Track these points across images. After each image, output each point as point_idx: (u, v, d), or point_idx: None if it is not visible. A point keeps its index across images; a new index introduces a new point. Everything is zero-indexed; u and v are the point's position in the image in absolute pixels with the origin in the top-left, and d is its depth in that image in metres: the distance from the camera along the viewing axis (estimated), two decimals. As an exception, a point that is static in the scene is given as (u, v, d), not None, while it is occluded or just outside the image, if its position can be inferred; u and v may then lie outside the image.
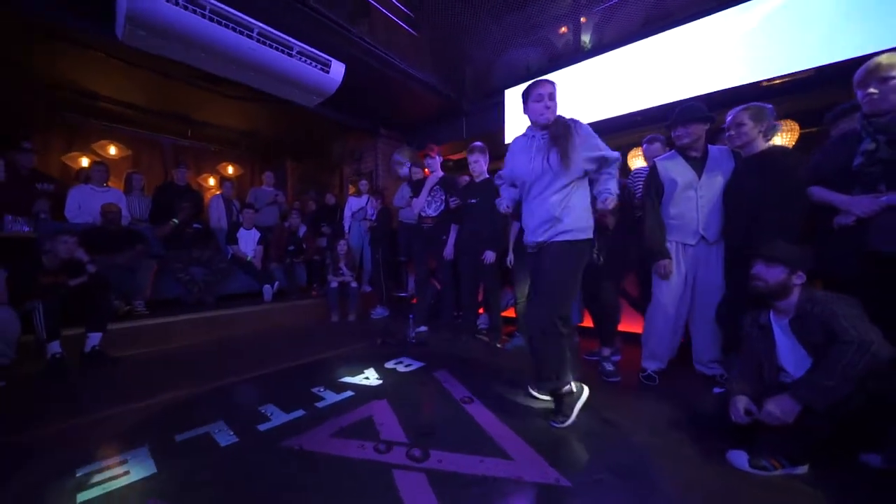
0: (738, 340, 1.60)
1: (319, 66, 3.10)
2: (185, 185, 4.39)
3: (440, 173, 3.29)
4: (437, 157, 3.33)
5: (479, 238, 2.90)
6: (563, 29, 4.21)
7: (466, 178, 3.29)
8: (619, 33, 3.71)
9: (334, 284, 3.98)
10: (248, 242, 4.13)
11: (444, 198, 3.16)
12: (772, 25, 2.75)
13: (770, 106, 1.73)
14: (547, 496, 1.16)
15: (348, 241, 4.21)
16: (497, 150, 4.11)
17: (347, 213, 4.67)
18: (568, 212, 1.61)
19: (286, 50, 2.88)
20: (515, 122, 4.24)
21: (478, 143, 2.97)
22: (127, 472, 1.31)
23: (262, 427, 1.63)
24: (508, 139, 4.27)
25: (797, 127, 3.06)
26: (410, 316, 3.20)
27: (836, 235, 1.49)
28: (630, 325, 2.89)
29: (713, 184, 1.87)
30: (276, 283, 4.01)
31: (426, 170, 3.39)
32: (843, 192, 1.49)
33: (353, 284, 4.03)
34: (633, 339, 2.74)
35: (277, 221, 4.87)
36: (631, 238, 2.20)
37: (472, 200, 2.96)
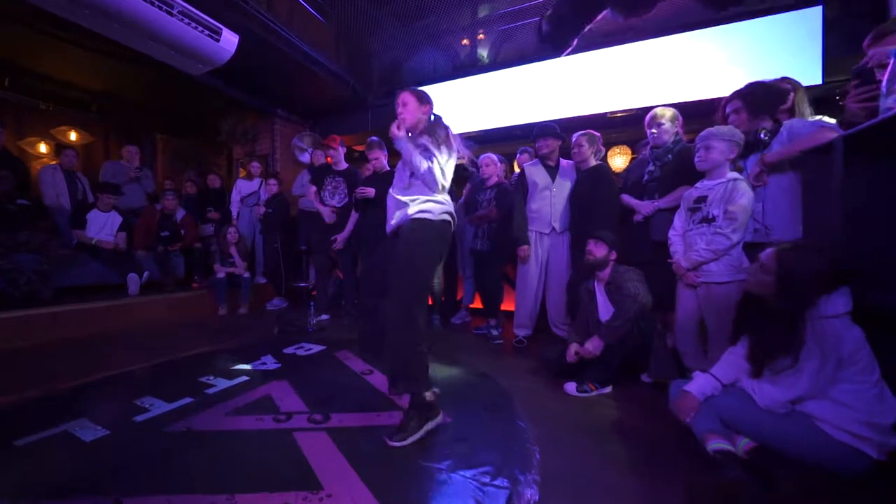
0: (577, 304, 2.14)
1: (208, 32, 2.81)
2: (0, 148, 3.43)
3: (344, 165, 3.33)
4: (341, 149, 3.36)
5: (382, 228, 3.06)
6: (465, 41, 4.64)
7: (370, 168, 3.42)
8: (511, 55, 4.29)
9: (221, 275, 3.63)
10: (104, 227, 3.45)
11: (346, 190, 3.22)
12: (617, 70, 3.60)
13: (599, 134, 2.36)
14: (433, 431, 1.41)
15: (238, 228, 3.87)
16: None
17: (236, 196, 4.25)
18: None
19: (165, 7, 2.54)
20: (420, 121, 4.48)
21: (374, 139, 3.12)
22: (-52, 482, 1.10)
23: (139, 418, 1.51)
24: (413, 136, 4.49)
25: (629, 151, 4.04)
26: (311, 304, 3.17)
27: (635, 229, 2.14)
28: (510, 304, 3.42)
29: (563, 187, 2.45)
30: (146, 274, 3.46)
31: (328, 157, 3.38)
32: (638, 199, 2.14)
33: (245, 275, 3.74)
34: (511, 315, 3.27)
35: (144, 203, 4.16)
36: (510, 229, 2.66)
37: (371, 192, 3.06)
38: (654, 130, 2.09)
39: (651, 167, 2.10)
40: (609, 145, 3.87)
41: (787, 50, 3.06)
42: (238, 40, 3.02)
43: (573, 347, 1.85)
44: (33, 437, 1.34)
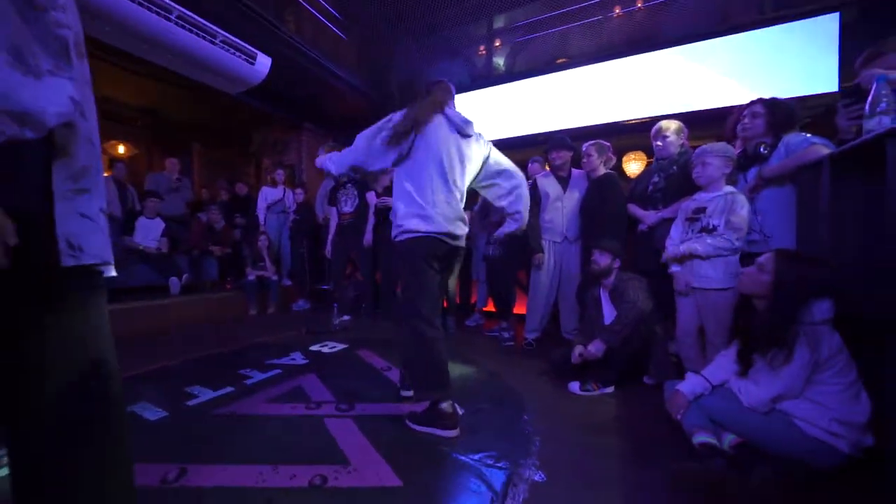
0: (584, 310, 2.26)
1: (245, 57, 3.11)
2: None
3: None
4: None
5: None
6: (482, 50, 4.82)
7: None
8: (527, 65, 4.44)
9: (252, 277, 3.93)
10: (149, 233, 3.80)
11: (356, 192, 3.43)
12: (633, 80, 3.70)
13: (608, 144, 2.46)
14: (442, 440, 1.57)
15: (268, 235, 4.17)
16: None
17: (262, 204, 4.56)
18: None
19: (209, 37, 2.84)
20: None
21: None
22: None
23: (190, 403, 1.74)
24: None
25: (644, 156, 4.10)
26: (334, 305, 3.40)
27: (640, 238, 2.25)
28: (522, 308, 3.55)
29: (573, 197, 2.56)
30: (185, 276, 3.79)
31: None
32: (643, 209, 2.25)
33: (274, 278, 4.03)
34: (522, 318, 3.40)
35: (183, 210, 4.53)
36: (522, 237, 2.80)
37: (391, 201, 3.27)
38: (659, 143, 2.19)
39: (656, 178, 2.20)
40: (624, 151, 3.96)
41: (804, 56, 3.08)
42: (271, 63, 3.30)
43: (577, 349, 1.97)
44: (108, 415, 1.59)
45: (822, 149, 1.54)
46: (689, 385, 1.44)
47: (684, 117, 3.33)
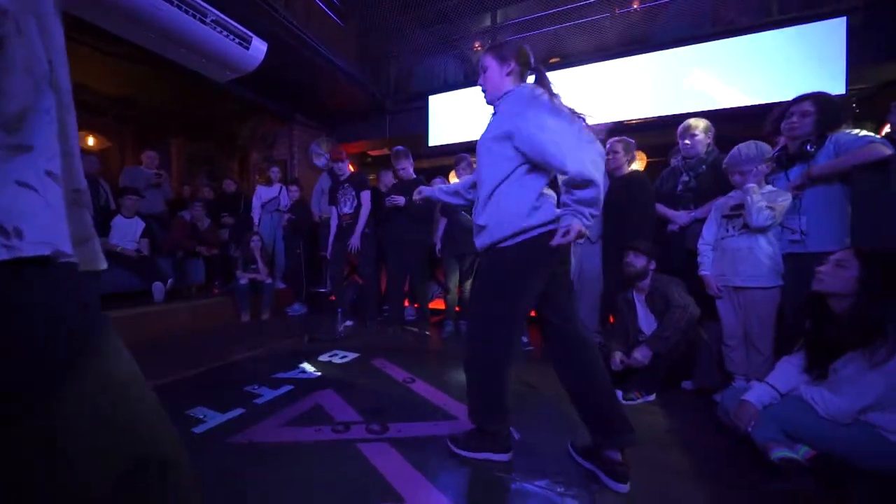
0: (614, 314, 2.16)
1: (238, 40, 2.83)
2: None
3: (347, 173, 3.35)
4: (346, 161, 3.39)
5: (409, 235, 3.10)
6: (478, 45, 4.68)
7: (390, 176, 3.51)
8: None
9: (244, 281, 3.64)
10: (127, 233, 3.45)
11: (353, 192, 3.24)
12: (632, 82, 3.65)
13: (633, 140, 2.37)
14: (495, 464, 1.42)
15: (261, 235, 3.88)
16: (419, 151, 4.35)
17: (256, 203, 4.26)
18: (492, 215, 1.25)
19: (199, 15, 2.56)
20: (439, 127, 4.51)
21: (400, 148, 3.17)
22: None
23: (197, 430, 1.52)
24: (432, 143, 4.53)
25: (645, 156, 4.07)
26: (339, 310, 3.18)
27: (670, 239, 2.17)
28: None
29: (595, 196, 2.45)
30: (170, 281, 3.46)
31: (351, 165, 3.43)
32: (672, 208, 2.17)
33: (267, 281, 3.75)
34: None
35: (163, 208, 4.17)
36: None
37: (401, 200, 3.07)
38: (687, 141, 2.11)
39: (685, 177, 2.12)
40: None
41: (811, 59, 3.10)
42: (266, 48, 3.04)
43: (618, 356, 1.87)
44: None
45: (884, 148, 1.49)
46: (757, 394, 1.35)
47: (691, 117, 3.34)
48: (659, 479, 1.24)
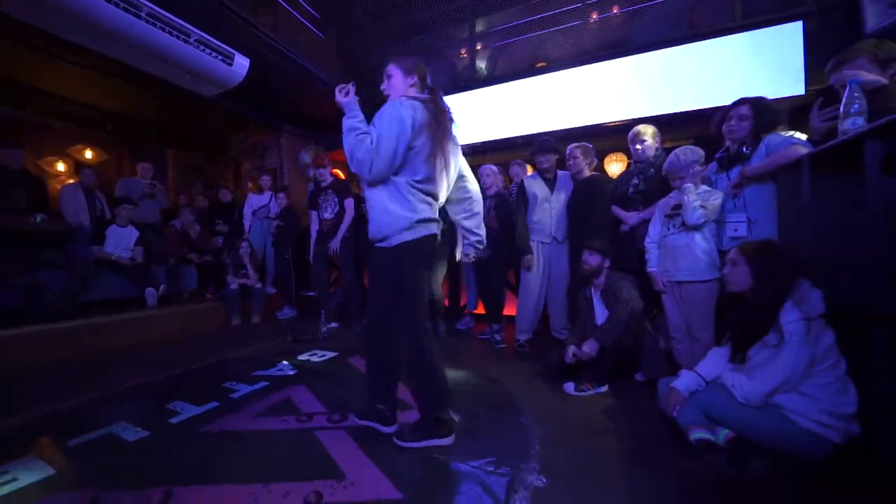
0: (576, 310, 2.27)
1: (221, 57, 3.00)
2: (19, 168, 3.62)
3: (329, 179, 3.50)
4: (328, 166, 3.54)
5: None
6: (463, 53, 4.82)
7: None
8: (508, 69, 4.47)
9: (234, 286, 3.78)
10: (121, 242, 3.61)
11: (336, 199, 3.38)
12: (609, 83, 3.77)
13: (591, 145, 2.50)
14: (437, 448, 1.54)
15: (250, 242, 4.03)
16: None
17: (248, 210, 4.43)
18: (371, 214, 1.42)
19: (182, 36, 2.72)
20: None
21: None
22: (14, 479, 1.24)
23: (173, 420, 1.65)
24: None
25: (626, 158, 4.18)
26: (322, 311, 3.31)
27: (624, 238, 2.29)
28: (512, 310, 3.56)
29: (560, 198, 2.59)
30: (162, 287, 3.61)
31: (337, 171, 3.57)
32: (624, 210, 2.30)
33: (258, 286, 3.89)
34: (513, 320, 3.41)
35: (157, 217, 4.34)
36: (511, 238, 2.80)
37: None
38: (637, 146, 2.25)
39: (636, 180, 2.25)
40: (606, 152, 4.04)
41: (772, 62, 3.21)
42: (249, 64, 3.20)
43: (571, 350, 1.98)
44: (81, 439, 1.48)
45: (802, 149, 1.60)
46: (684, 382, 1.46)
47: (663, 119, 3.45)
48: (589, 459, 1.35)
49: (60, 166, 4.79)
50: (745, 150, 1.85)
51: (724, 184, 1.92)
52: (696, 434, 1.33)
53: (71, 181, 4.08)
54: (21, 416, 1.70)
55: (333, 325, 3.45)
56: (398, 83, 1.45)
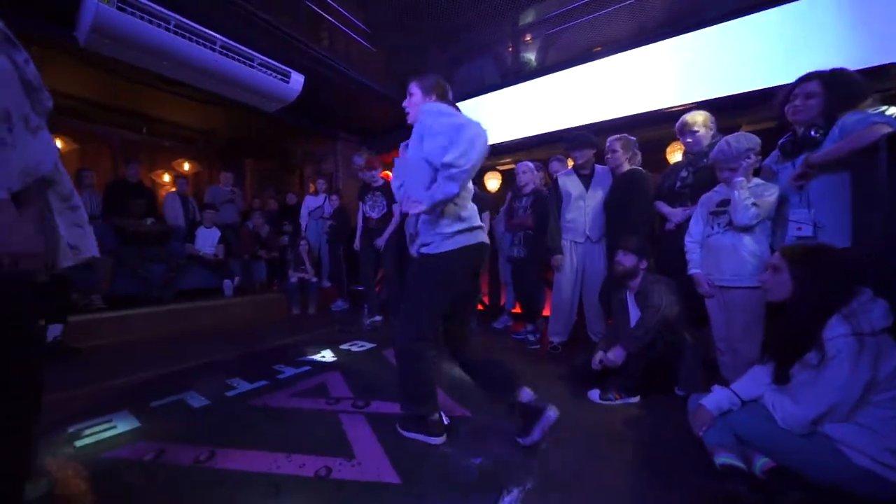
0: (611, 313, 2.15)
1: (279, 76, 3.36)
2: (136, 181, 4.43)
3: (380, 181, 3.68)
4: (378, 169, 3.72)
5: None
6: (511, 48, 4.74)
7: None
8: (558, 59, 4.29)
9: (294, 279, 4.23)
10: (207, 240, 4.25)
11: (385, 201, 3.55)
12: (663, 67, 3.43)
13: (634, 138, 2.31)
14: (459, 422, 1.60)
15: (308, 240, 4.46)
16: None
17: (304, 211, 4.90)
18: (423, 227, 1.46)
19: (247, 61, 3.12)
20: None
21: None
22: (114, 426, 1.58)
23: (229, 394, 1.94)
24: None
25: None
26: (365, 305, 3.55)
27: (669, 237, 2.08)
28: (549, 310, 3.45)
29: (596, 196, 2.44)
30: (237, 279, 4.18)
31: (386, 174, 3.78)
32: (671, 205, 2.08)
33: (314, 280, 4.30)
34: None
35: (236, 219, 5.00)
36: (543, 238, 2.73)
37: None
38: (688, 139, 2.02)
39: (684, 173, 2.03)
40: (668, 141, 3.67)
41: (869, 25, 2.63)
42: (304, 80, 3.54)
43: (598, 355, 1.88)
44: (161, 402, 1.82)
45: (885, 127, 1.32)
46: (715, 399, 1.32)
47: (727, 101, 3.02)
48: (601, 468, 1.30)
49: (166, 177, 5.78)
50: (813, 133, 1.58)
51: (788, 174, 1.66)
52: (722, 458, 1.19)
53: (172, 190, 4.90)
54: (122, 380, 2.13)
55: (377, 318, 3.68)
56: (418, 102, 1.53)
